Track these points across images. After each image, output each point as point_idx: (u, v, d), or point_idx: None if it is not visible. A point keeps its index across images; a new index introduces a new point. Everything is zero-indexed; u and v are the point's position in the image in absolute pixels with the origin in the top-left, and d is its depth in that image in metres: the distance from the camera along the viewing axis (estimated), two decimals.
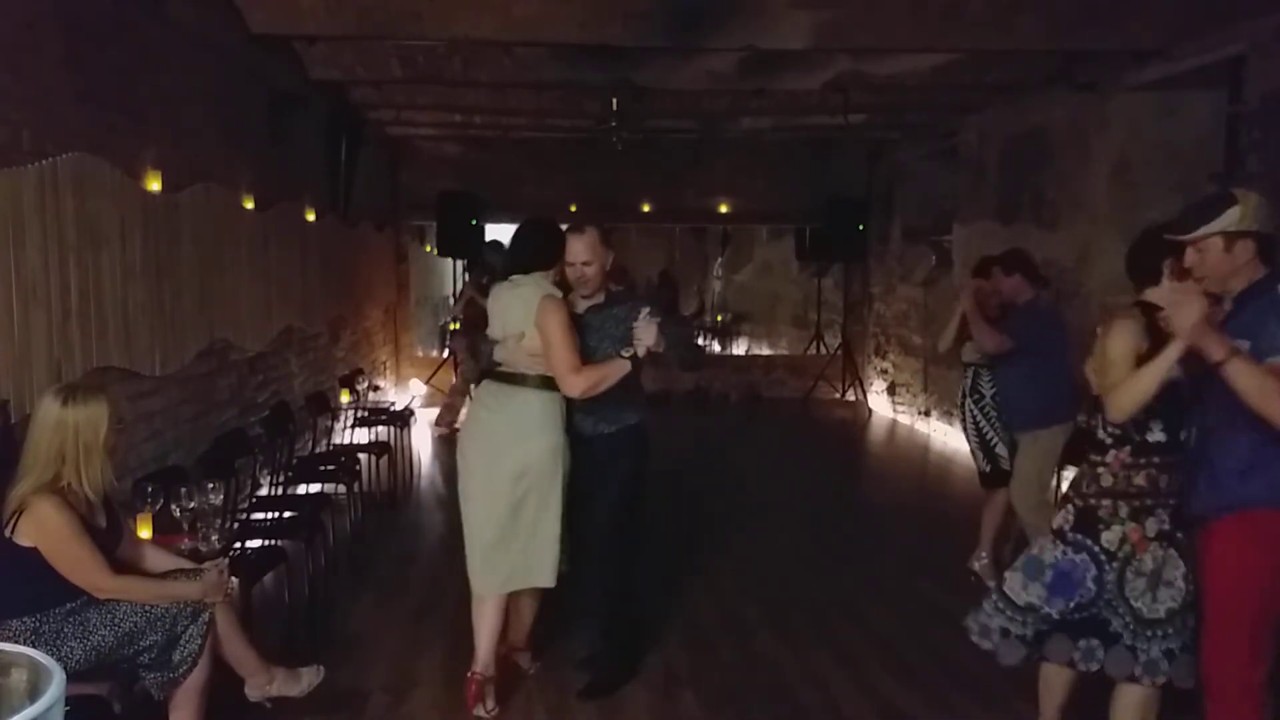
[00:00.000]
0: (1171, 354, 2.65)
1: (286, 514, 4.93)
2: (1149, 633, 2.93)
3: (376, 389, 8.78)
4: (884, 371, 11.35)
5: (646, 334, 3.53)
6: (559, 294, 3.65)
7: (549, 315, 3.52)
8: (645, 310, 3.59)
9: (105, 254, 4.16)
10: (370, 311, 10.03)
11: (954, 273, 8.88)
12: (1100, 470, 2.99)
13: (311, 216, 7.48)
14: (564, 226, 3.83)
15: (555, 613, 4.02)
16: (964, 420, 5.40)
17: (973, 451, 5.37)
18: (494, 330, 3.75)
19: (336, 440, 7.26)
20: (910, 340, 10.53)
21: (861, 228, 11.18)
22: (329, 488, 5.77)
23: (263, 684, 3.32)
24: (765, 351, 14.78)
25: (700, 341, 14.56)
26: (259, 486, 5.30)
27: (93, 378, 3.92)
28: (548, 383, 3.59)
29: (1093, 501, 2.99)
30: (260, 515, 4.88)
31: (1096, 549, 2.96)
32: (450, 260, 12.41)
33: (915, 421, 10.35)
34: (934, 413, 9.88)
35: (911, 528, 6.56)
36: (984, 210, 8.51)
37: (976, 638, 3.16)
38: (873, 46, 6.41)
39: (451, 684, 3.81)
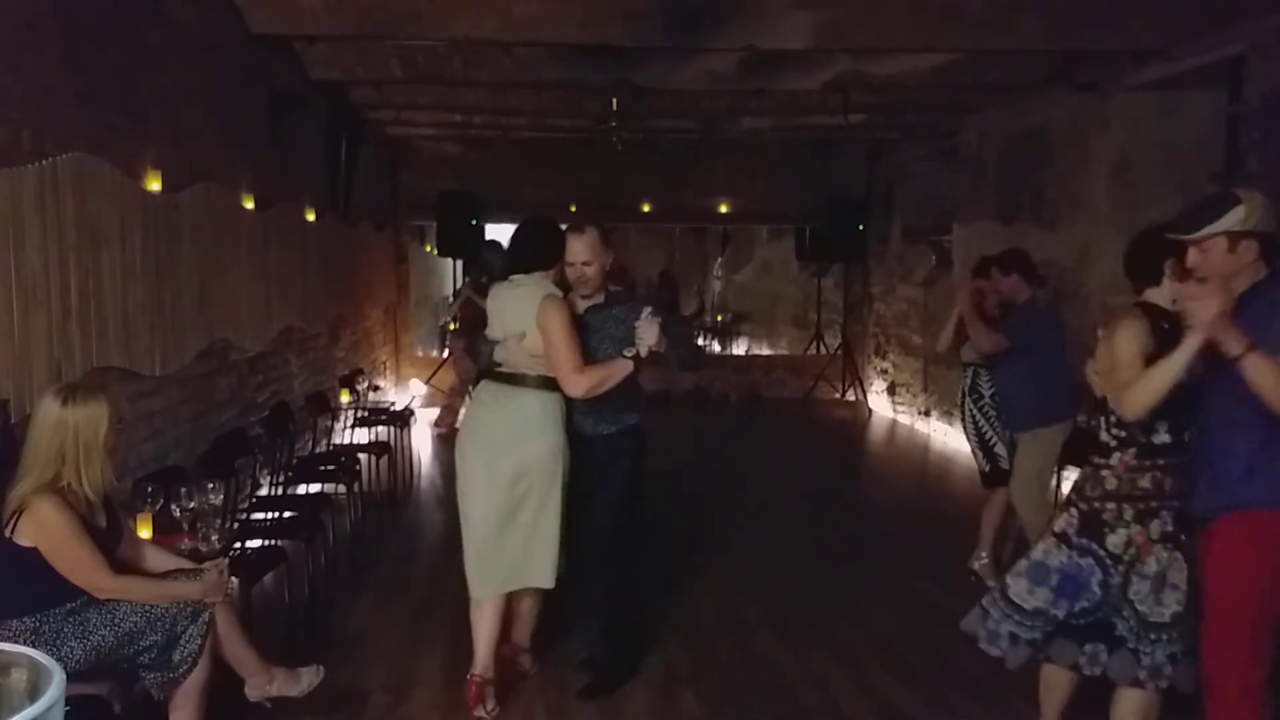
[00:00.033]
0: (1190, 347, 2.62)
1: (286, 514, 4.93)
2: (1153, 636, 2.91)
3: (376, 389, 8.78)
4: (884, 371, 11.35)
5: (649, 334, 3.53)
6: (560, 293, 3.65)
7: (551, 315, 3.51)
8: (647, 310, 3.59)
9: (105, 254, 4.16)
10: (370, 311, 10.04)
11: (954, 273, 8.88)
12: (1104, 473, 2.97)
13: (311, 216, 7.48)
14: (563, 226, 3.82)
15: (555, 613, 4.02)
16: (964, 420, 5.41)
17: (973, 451, 5.38)
18: (494, 330, 3.75)
19: (336, 440, 7.26)
20: (910, 340, 10.53)
21: (861, 228, 11.18)
22: (329, 488, 5.77)
23: (263, 684, 3.32)
24: (765, 351, 14.78)
25: (700, 341, 14.57)
26: (259, 486, 5.30)
27: (93, 378, 3.92)
28: (548, 383, 3.59)
29: (1097, 505, 2.97)
30: (260, 515, 4.88)
31: (1102, 553, 2.94)
32: (450, 260, 12.41)
33: (915, 421, 10.35)
34: (934, 413, 9.88)
35: (911, 528, 6.56)
36: (984, 210, 8.51)
37: (985, 645, 3.13)
38: (873, 46, 6.41)
39: (451, 684, 3.81)
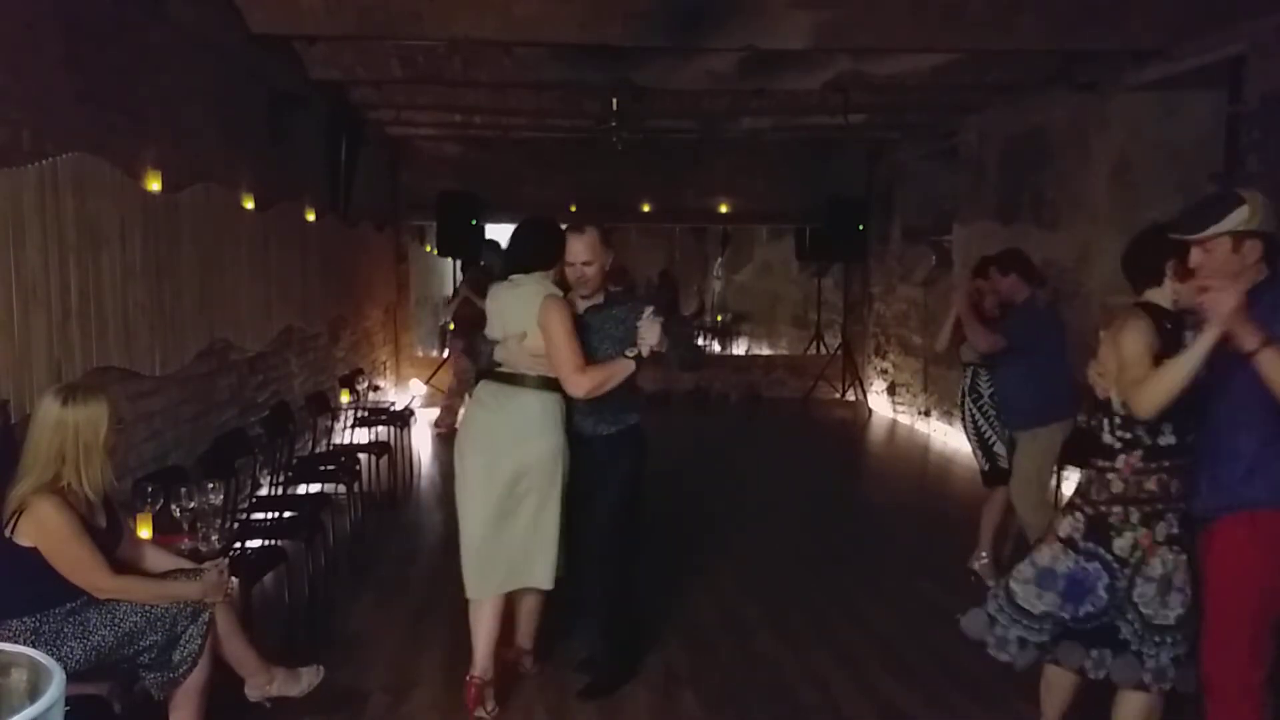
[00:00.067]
0: (1206, 341, 2.59)
1: (286, 514, 4.93)
2: (1157, 639, 2.89)
3: (376, 389, 8.78)
4: (884, 371, 11.35)
5: (650, 334, 3.53)
6: (561, 293, 3.64)
7: (552, 315, 3.50)
8: (649, 310, 3.59)
9: (105, 254, 4.16)
10: (370, 311, 10.04)
11: (954, 273, 8.88)
12: (1110, 476, 2.93)
13: (311, 216, 7.48)
14: (563, 226, 3.82)
15: (555, 613, 4.01)
16: (963, 419, 5.42)
17: (973, 450, 5.39)
18: (493, 330, 3.73)
19: (336, 440, 7.26)
20: (910, 340, 10.53)
21: (861, 228, 11.18)
22: (329, 488, 5.77)
23: (263, 684, 3.32)
24: (765, 351, 14.78)
25: (700, 342, 14.58)
26: (259, 486, 5.30)
27: (93, 378, 3.92)
28: (548, 383, 3.58)
29: (1103, 509, 2.93)
30: (260, 515, 4.88)
31: (1109, 557, 2.91)
32: (450, 260, 12.41)
33: (915, 421, 10.35)
34: (934, 413, 9.88)
35: (911, 528, 6.56)
36: (984, 210, 8.51)
37: (994, 650, 3.11)
38: (873, 46, 6.41)
39: (451, 684, 3.81)
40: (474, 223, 10.42)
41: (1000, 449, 5.17)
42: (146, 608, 2.95)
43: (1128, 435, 2.89)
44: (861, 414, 11.32)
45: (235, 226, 5.83)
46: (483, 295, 4.48)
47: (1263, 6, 5.16)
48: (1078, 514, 3.00)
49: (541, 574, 3.65)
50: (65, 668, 1.38)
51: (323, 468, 6.04)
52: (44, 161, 3.65)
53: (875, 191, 11.42)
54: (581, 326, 3.62)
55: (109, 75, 4.27)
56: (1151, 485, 2.88)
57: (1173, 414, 2.78)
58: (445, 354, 11.37)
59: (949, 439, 9.25)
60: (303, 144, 7.29)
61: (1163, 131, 6.53)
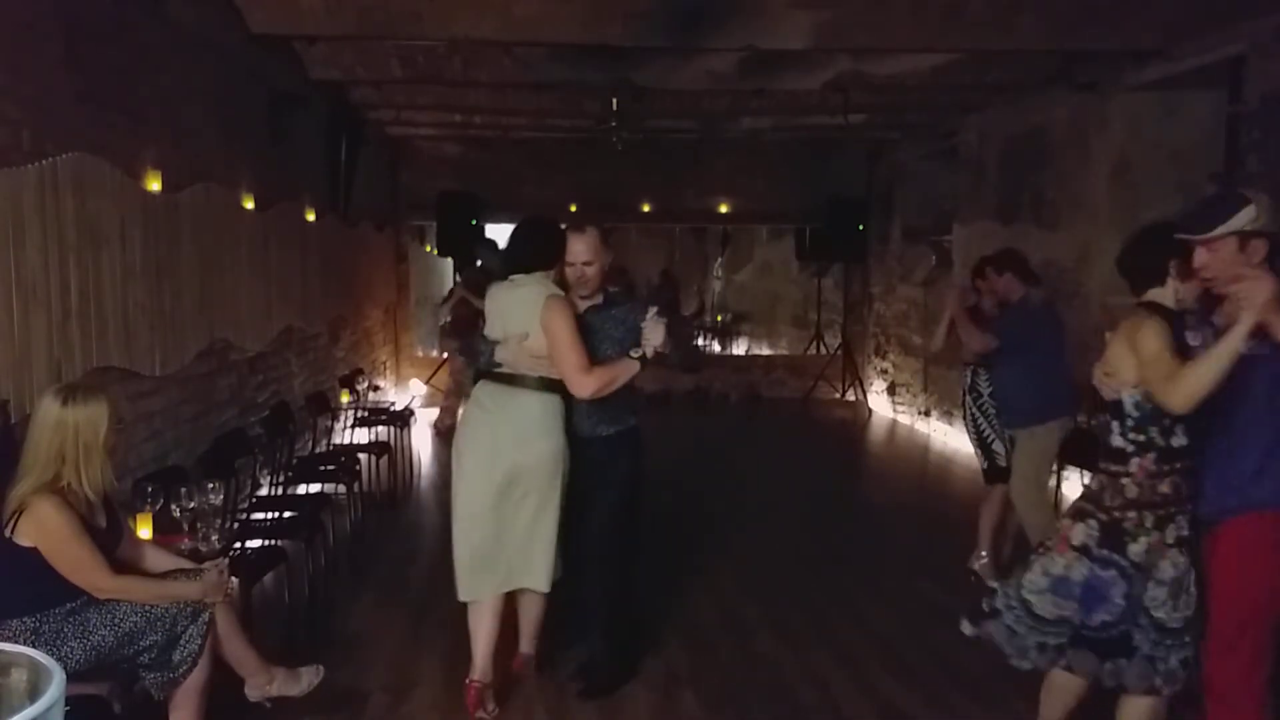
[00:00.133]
0: (1241, 331, 2.55)
1: (286, 514, 4.93)
2: (1169, 642, 2.86)
3: (376, 389, 8.78)
4: (884, 371, 11.35)
5: (655, 334, 3.52)
6: (563, 294, 3.63)
7: (555, 315, 3.48)
8: (653, 311, 3.58)
9: (105, 254, 4.16)
10: (370, 311, 10.04)
11: (954, 273, 8.88)
12: (1124, 481, 2.86)
13: (311, 216, 7.48)
14: (562, 226, 3.81)
15: (555, 615, 4.00)
16: (964, 418, 5.43)
17: (974, 448, 5.39)
18: (493, 330, 3.70)
19: (336, 440, 7.26)
20: (910, 340, 10.54)
21: (861, 228, 11.18)
22: (329, 488, 5.77)
23: (263, 684, 3.32)
24: (765, 351, 14.78)
25: (700, 342, 14.58)
26: (259, 486, 5.30)
27: (93, 378, 3.92)
28: (548, 384, 3.57)
29: (1117, 514, 2.87)
30: (260, 515, 4.88)
31: (1125, 563, 2.85)
32: (450, 260, 12.42)
33: (915, 421, 10.35)
34: (934, 413, 9.88)
35: (911, 528, 6.56)
36: (984, 210, 8.51)
37: (1016, 661, 3.05)
38: (873, 46, 6.41)
39: (451, 684, 3.81)
40: (474, 223, 10.42)
41: (999, 447, 5.17)
42: (146, 608, 2.95)
43: (1140, 438, 2.84)
44: (861, 414, 11.32)
45: (235, 226, 5.83)
46: (480, 295, 4.46)
47: (1263, 6, 5.16)
48: (1091, 521, 2.92)
49: (539, 575, 3.64)
50: (65, 668, 1.38)
51: (323, 468, 6.04)
52: (44, 161, 3.65)
53: (875, 191, 11.42)
54: (581, 327, 3.60)
55: (109, 75, 4.27)
56: (1165, 488, 2.83)
57: (1186, 415, 2.75)
58: (443, 354, 11.37)
59: (949, 439, 9.25)
60: (303, 144, 7.29)
61: (1163, 131, 6.53)
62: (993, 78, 7.35)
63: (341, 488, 5.84)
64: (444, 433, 8.95)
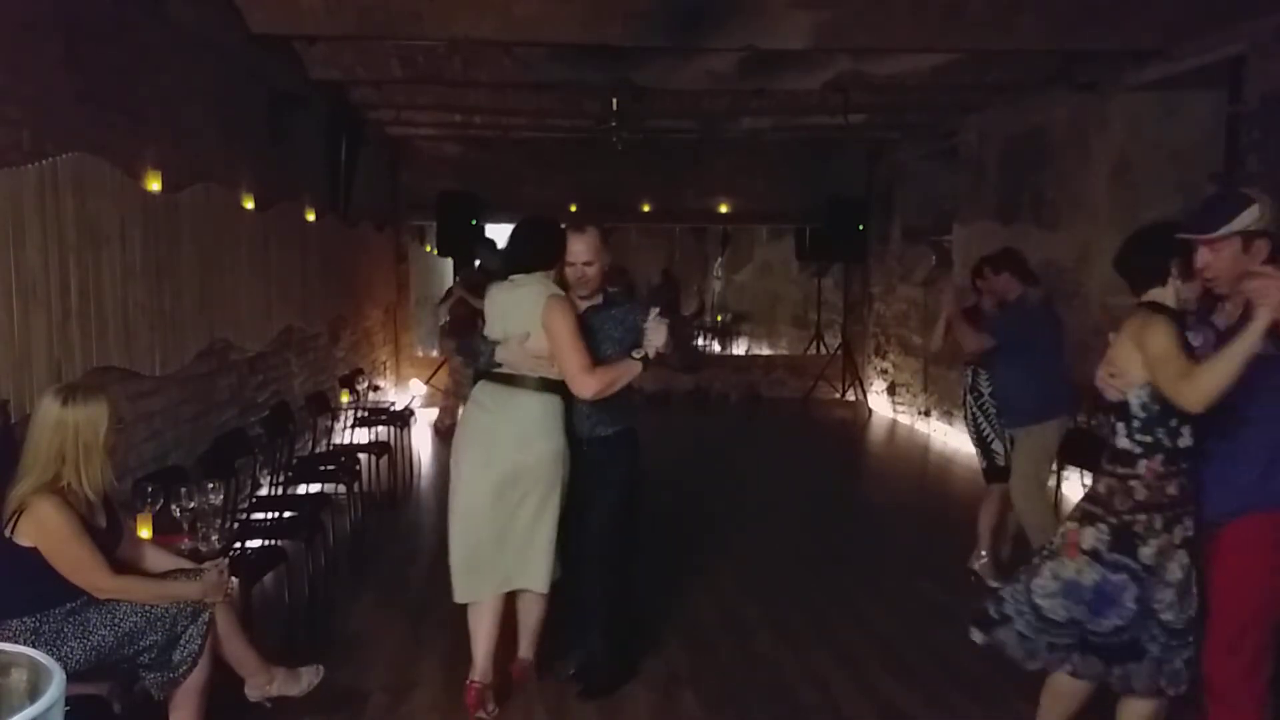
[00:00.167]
0: (1258, 328, 2.53)
1: (286, 514, 4.93)
2: (1174, 643, 2.84)
3: (376, 389, 8.77)
4: (884, 371, 11.35)
5: (657, 336, 3.52)
6: (564, 294, 3.61)
7: (557, 315, 3.47)
8: (655, 312, 3.57)
9: (105, 254, 4.16)
10: (370, 311, 10.04)
11: (954, 273, 8.88)
12: (1133, 483, 2.82)
13: (311, 216, 7.48)
14: (562, 225, 3.80)
15: (554, 615, 3.99)
16: (965, 417, 5.44)
17: (975, 448, 5.40)
18: (493, 330, 3.68)
19: (336, 440, 7.26)
20: (910, 340, 10.54)
21: (861, 228, 11.18)
22: (329, 488, 5.77)
23: (263, 684, 3.32)
24: (765, 351, 14.79)
25: (700, 342, 14.58)
26: (259, 486, 5.30)
27: (93, 378, 3.92)
28: (548, 385, 3.56)
29: (1127, 518, 2.82)
30: (260, 515, 4.88)
31: (1136, 566, 2.82)
32: (450, 260, 12.42)
33: (915, 421, 10.35)
34: (934, 413, 9.88)
35: (911, 528, 6.56)
36: (984, 210, 8.51)
37: (1029, 663, 3.03)
38: (873, 46, 6.41)
39: (451, 684, 3.81)
40: (474, 223, 10.42)
41: (998, 447, 5.17)
42: (146, 608, 2.95)
43: (1148, 439, 2.81)
44: (861, 414, 11.32)
45: (235, 226, 5.83)
46: (479, 295, 4.45)
47: (1263, 6, 5.16)
48: (1100, 525, 2.88)
49: (537, 577, 3.62)
50: (65, 668, 1.38)
51: (323, 468, 6.04)
52: (44, 161, 3.65)
53: (875, 191, 11.42)
54: (581, 327, 3.58)
55: (109, 75, 4.27)
56: (1173, 490, 2.81)
57: (1193, 415, 2.73)
58: (444, 354, 11.36)
59: (949, 439, 9.26)
60: (303, 144, 7.29)
61: (1163, 131, 6.53)
62: (993, 78, 7.35)
63: (341, 488, 5.84)
64: (444, 433, 8.95)
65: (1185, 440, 2.80)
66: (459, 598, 3.66)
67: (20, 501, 2.84)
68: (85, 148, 3.96)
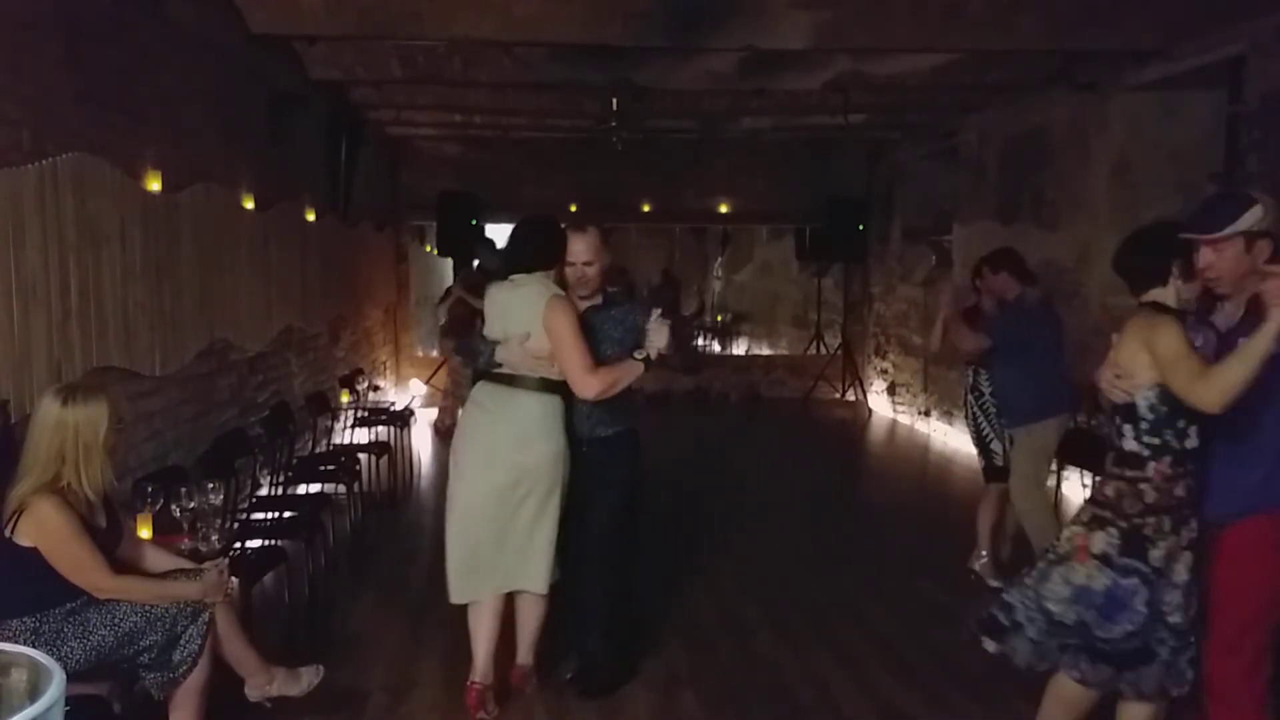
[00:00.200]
0: (1271, 330, 2.51)
1: (286, 514, 4.93)
2: (1179, 644, 2.83)
3: (376, 389, 8.78)
4: (884, 371, 11.35)
5: (659, 337, 3.51)
6: (564, 294, 3.60)
7: (559, 316, 3.45)
8: (657, 313, 3.57)
9: (105, 254, 4.16)
10: (370, 311, 10.04)
11: (954, 273, 8.89)
12: (1143, 486, 2.79)
13: (311, 216, 7.48)
14: (562, 225, 3.79)
15: (554, 616, 3.98)
16: (965, 416, 5.45)
17: (975, 447, 5.40)
18: (493, 331, 3.67)
19: (336, 440, 7.26)
20: (910, 340, 10.54)
21: (861, 228, 11.19)
22: (329, 488, 5.77)
23: (263, 684, 3.32)
24: (765, 351, 14.79)
25: (700, 342, 14.58)
26: (259, 486, 5.30)
27: (93, 378, 3.92)
28: (548, 385, 3.55)
29: (1137, 521, 2.79)
30: (260, 515, 4.88)
31: (1147, 569, 2.79)
32: (450, 260, 12.42)
33: (915, 421, 10.35)
34: (934, 413, 9.88)
35: (911, 528, 6.56)
36: (984, 210, 8.51)
37: (1041, 667, 3.00)
38: (873, 46, 6.41)
39: (451, 684, 3.81)
40: (474, 223, 10.42)
41: (996, 446, 5.17)
42: (146, 608, 2.95)
43: (1156, 441, 2.79)
44: (861, 414, 11.32)
45: (235, 226, 5.83)
46: (478, 294, 4.44)
47: (1263, 6, 5.16)
48: (1110, 529, 2.83)
49: (536, 578, 3.61)
50: (65, 668, 1.38)
51: (323, 468, 6.04)
52: (44, 161, 3.65)
53: (875, 191, 11.42)
54: (582, 327, 3.57)
55: (109, 75, 4.27)
56: (1180, 491, 2.79)
57: (1197, 416, 2.72)
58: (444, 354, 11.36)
59: (949, 439, 9.26)
60: (303, 144, 7.29)
61: (1163, 131, 6.53)
62: (993, 78, 7.35)
63: (341, 488, 5.84)
64: (444, 433, 8.95)
65: (1192, 442, 2.79)
66: (455, 598, 3.65)
67: (20, 501, 2.84)
68: (85, 148, 3.95)
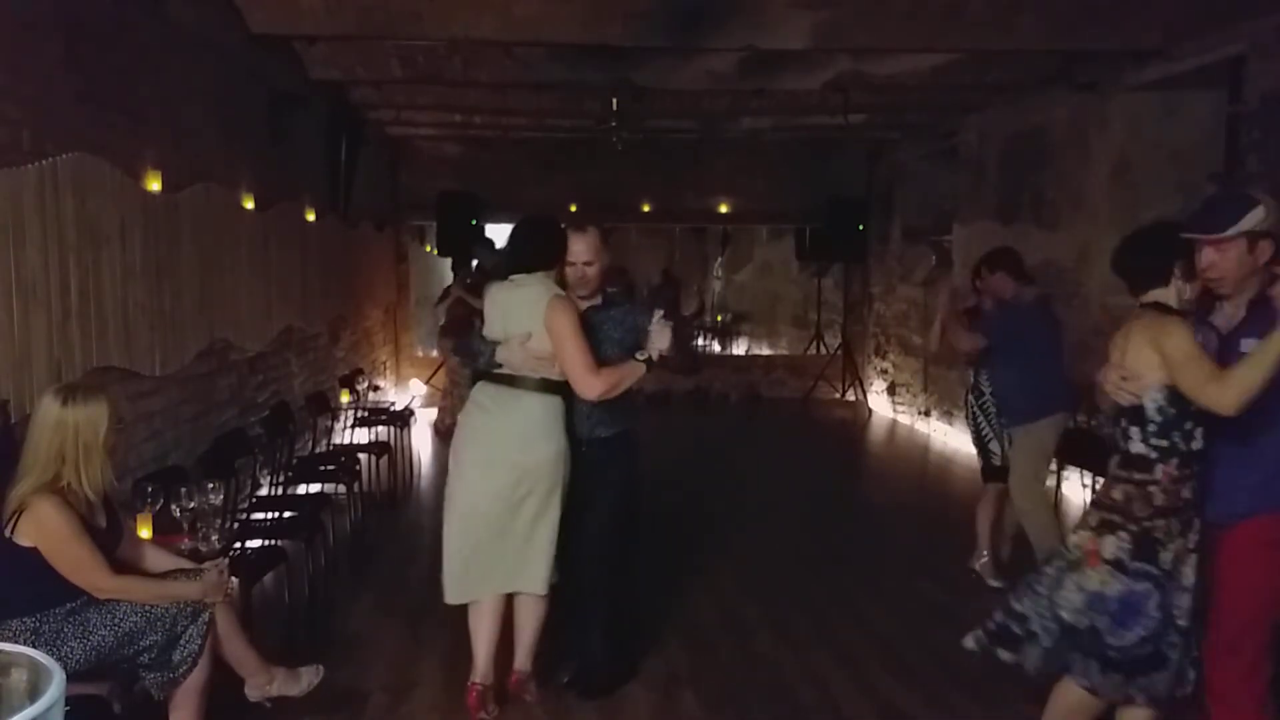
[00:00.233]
0: None
1: (286, 514, 4.93)
2: (1185, 646, 2.82)
3: (376, 389, 8.78)
4: (884, 371, 11.35)
5: (661, 338, 3.50)
6: (566, 294, 3.59)
7: (561, 316, 3.44)
8: (659, 314, 3.56)
9: (105, 254, 4.16)
10: (370, 311, 10.04)
11: (954, 273, 8.88)
12: (1152, 489, 2.77)
13: (311, 216, 7.48)
14: (562, 225, 3.78)
15: (553, 617, 3.97)
16: (966, 416, 5.45)
17: (975, 447, 5.40)
18: (493, 330, 3.65)
19: (336, 440, 7.26)
20: (910, 340, 10.54)
21: (861, 228, 11.19)
22: (329, 488, 5.77)
23: (263, 684, 3.32)
24: (765, 351, 14.78)
25: (700, 341, 14.57)
26: (259, 486, 5.30)
27: (93, 378, 3.92)
28: (549, 386, 3.54)
29: (1148, 524, 2.78)
30: (260, 515, 4.88)
31: (1158, 573, 2.78)
32: (450, 260, 12.42)
33: (915, 421, 10.35)
34: (934, 413, 9.88)
35: (911, 528, 6.56)
36: (984, 210, 8.51)
37: (1056, 668, 2.96)
38: (873, 46, 6.41)
39: (451, 684, 3.81)
40: (474, 223, 10.42)
41: (995, 446, 5.17)
42: (146, 608, 2.95)
43: (1164, 443, 2.77)
44: (861, 414, 11.32)
45: (235, 226, 5.83)
46: (477, 294, 4.43)
47: (1263, 6, 5.16)
48: (1121, 533, 2.81)
49: (535, 579, 3.60)
50: (65, 668, 1.38)
51: (323, 468, 6.04)
52: (44, 161, 3.65)
53: (875, 191, 11.42)
54: (582, 327, 3.58)
55: (109, 75, 4.27)
56: (1187, 493, 2.78)
57: (1203, 418, 2.71)
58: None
59: (949, 439, 9.26)
60: (303, 144, 7.29)
61: (1163, 131, 6.53)
62: (993, 78, 7.35)
63: (341, 488, 5.84)
64: (444, 433, 8.94)
65: (1197, 443, 2.77)
66: (451, 598, 3.63)
67: (20, 501, 2.84)
68: (85, 148, 3.95)
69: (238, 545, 4.17)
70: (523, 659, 3.77)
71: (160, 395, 4.73)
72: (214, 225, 5.44)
